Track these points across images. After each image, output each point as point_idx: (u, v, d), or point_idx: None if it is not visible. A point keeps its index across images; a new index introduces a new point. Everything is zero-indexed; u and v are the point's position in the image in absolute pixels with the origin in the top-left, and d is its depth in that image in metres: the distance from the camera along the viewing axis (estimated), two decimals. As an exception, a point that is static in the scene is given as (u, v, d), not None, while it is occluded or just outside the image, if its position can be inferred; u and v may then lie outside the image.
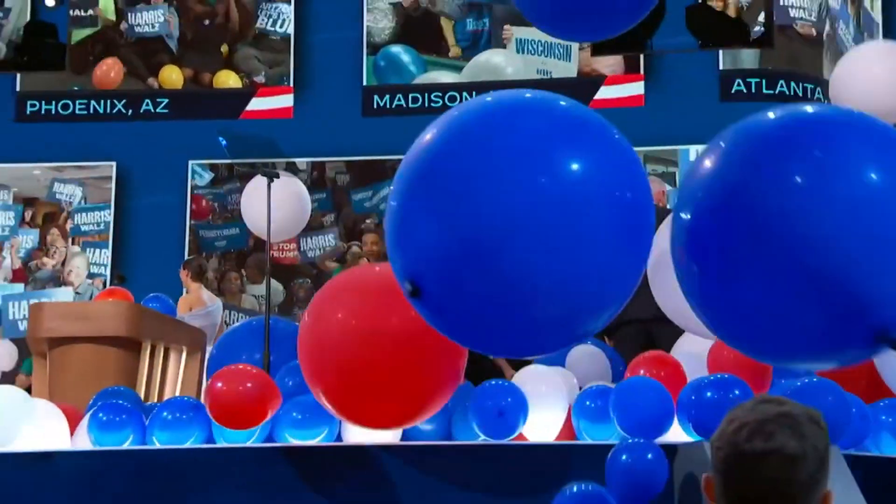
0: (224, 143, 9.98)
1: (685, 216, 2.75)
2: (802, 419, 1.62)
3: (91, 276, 10.65)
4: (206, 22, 10.95)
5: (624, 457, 3.61)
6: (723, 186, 2.66)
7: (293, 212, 7.05)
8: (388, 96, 10.57)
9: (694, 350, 4.92)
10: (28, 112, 10.83)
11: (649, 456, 3.64)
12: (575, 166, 2.63)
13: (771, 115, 2.71)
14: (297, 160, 10.48)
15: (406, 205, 2.67)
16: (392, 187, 2.79)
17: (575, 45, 10.14)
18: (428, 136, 2.69)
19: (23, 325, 9.87)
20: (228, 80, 10.74)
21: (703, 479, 1.74)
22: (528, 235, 2.45)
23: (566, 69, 10.47)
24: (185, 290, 8.58)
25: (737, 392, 3.95)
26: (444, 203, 2.55)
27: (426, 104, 10.46)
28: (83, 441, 4.37)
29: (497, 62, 10.72)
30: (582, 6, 3.96)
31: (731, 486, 1.64)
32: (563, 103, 2.87)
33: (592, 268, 2.54)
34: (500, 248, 2.45)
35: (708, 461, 2.90)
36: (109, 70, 10.91)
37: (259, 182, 6.55)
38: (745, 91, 10.09)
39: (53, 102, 10.85)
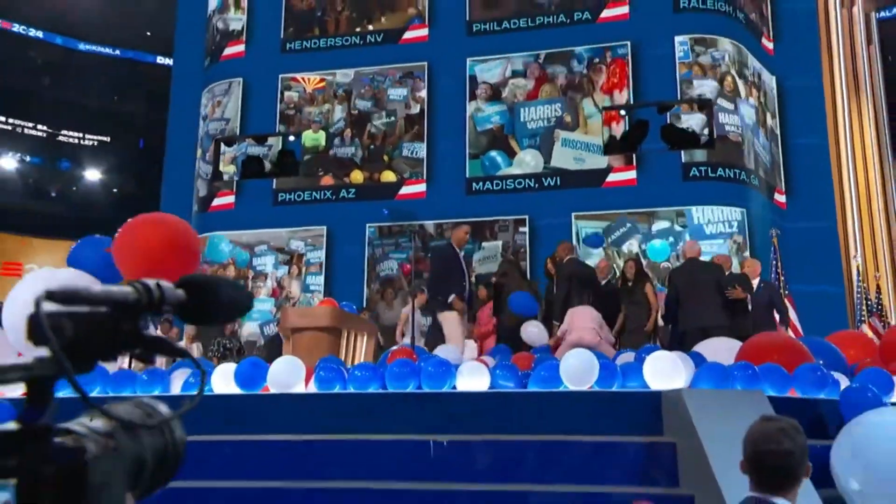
0: (386, 212, 10.62)
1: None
2: (791, 430, 1.80)
3: (311, 291, 10.77)
4: (378, 142, 11.18)
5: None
6: None
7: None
8: (481, 183, 10.66)
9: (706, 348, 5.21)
10: (279, 199, 11.18)
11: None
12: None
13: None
14: (427, 222, 10.66)
15: None
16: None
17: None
18: None
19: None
20: (389, 176, 11.00)
21: (740, 463, 1.84)
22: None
23: (599, 160, 10.16)
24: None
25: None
26: None
27: (504, 187, 10.58)
28: (312, 387, 4.68)
29: (528, 159, 10.65)
30: None
31: (755, 468, 1.82)
32: None
33: None
34: None
35: (684, 404, 3.51)
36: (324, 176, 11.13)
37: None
38: (698, 174, 10.06)
39: (293, 193, 11.14)
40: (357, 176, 11.13)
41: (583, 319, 6.39)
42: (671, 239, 9.86)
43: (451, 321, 6.56)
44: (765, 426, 1.82)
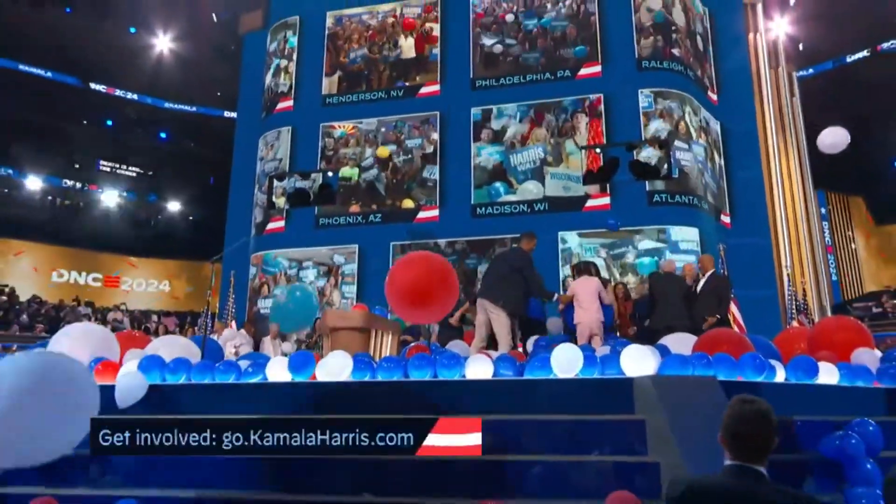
0: (407, 233, 10.42)
1: None
2: (768, 413, 1.67)
3: (346, 298, 10.55)
4: (400, 176, 11.02)
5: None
6: None
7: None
8: (484, 208, 10.49)
9: (670, 341, 5.01)
10: (320, 223, 11.07)
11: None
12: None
13: None
14: (440, 240, 10.44)
15: None
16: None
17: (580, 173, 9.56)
18: None
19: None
20: (409, 203, 10.84)
21: (719, 437, 1.69)
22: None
23: (580, 189, 9.98)
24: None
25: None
26: None
27: (503, 211, 10.39)
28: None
29: (531, 188, 10.48)
30: None
31: (737, 444, 1.66)
32: None
33: None
34: None
35: (652, 388, 3.40)
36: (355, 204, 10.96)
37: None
38: (660, 200, 9.90)
39: (331, 218, 10.96)
40: (383, 203, 11.07)
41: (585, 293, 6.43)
42: (656, 257, 9.74)
43: (503, 318, 5.93)
44: (745, 409, 1.68)
